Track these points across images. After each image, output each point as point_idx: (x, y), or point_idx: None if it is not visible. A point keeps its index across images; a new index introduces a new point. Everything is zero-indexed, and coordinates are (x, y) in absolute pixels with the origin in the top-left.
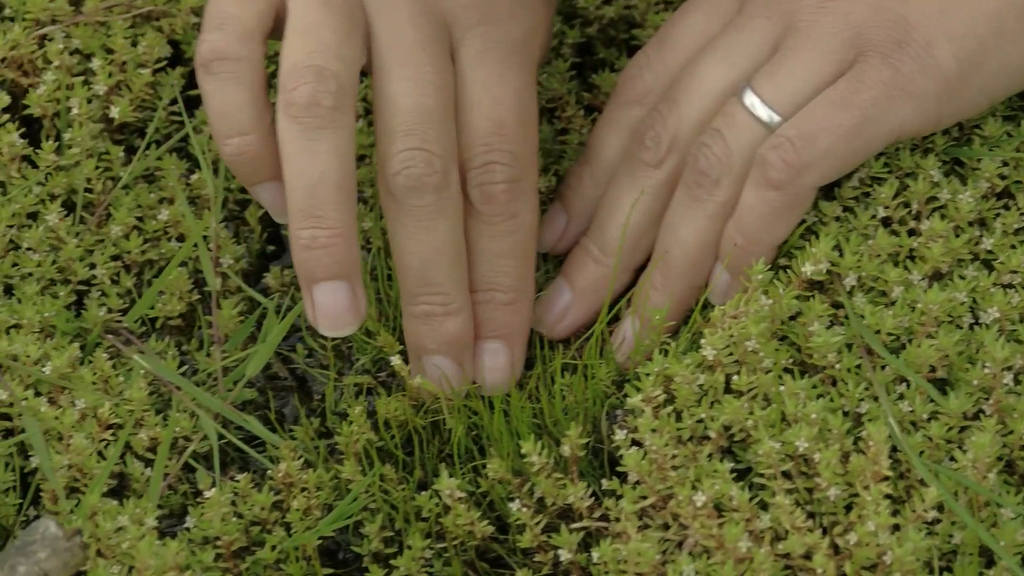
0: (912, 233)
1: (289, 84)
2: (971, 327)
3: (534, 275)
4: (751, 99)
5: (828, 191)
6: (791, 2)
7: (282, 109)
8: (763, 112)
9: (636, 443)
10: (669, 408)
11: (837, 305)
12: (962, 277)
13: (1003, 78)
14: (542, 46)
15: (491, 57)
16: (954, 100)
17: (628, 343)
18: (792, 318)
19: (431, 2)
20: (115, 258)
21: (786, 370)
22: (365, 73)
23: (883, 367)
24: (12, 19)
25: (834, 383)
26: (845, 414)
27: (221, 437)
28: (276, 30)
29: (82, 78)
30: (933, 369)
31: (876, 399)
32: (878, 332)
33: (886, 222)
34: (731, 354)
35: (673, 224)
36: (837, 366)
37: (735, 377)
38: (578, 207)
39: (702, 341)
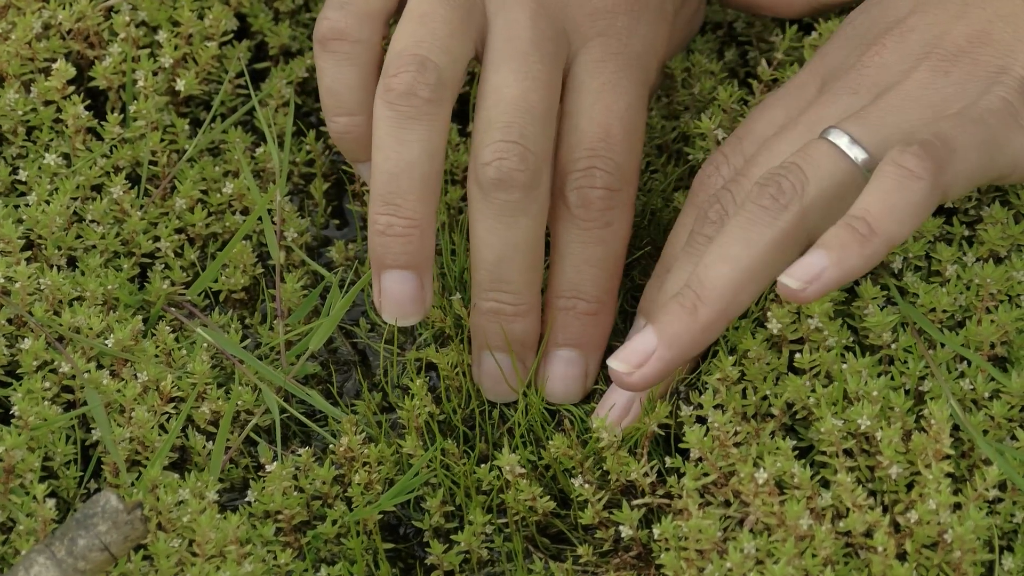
0: (973, 222)
1: (391, 69)
2: None
3: (618, 289)
4: (838, 136)
5: None
6: (879, 73)
7: (380, 93)
8: (850, 150)
9: (700, 419)
10: (739, 386)
11: (898, 286)
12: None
13: None
14: (660, 66)
15: (608, 67)
16: None
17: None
18: (847, 302)
19: (555, 8)
20: (179, 231)
21: (847, 348)
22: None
23: (942, 345)
24: None
25: (891, 362)
26: (906, 392)
27: (283, 411)
28: (399, 13)
29: (148, 50)
30: (992, 347)
31: (940, 376)
32: (932, 310)
33: (951, 211)
34: (796, 331)
35: (724, 243)
36: (893, 345)
37: (797, 355)
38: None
39: (768, 314)
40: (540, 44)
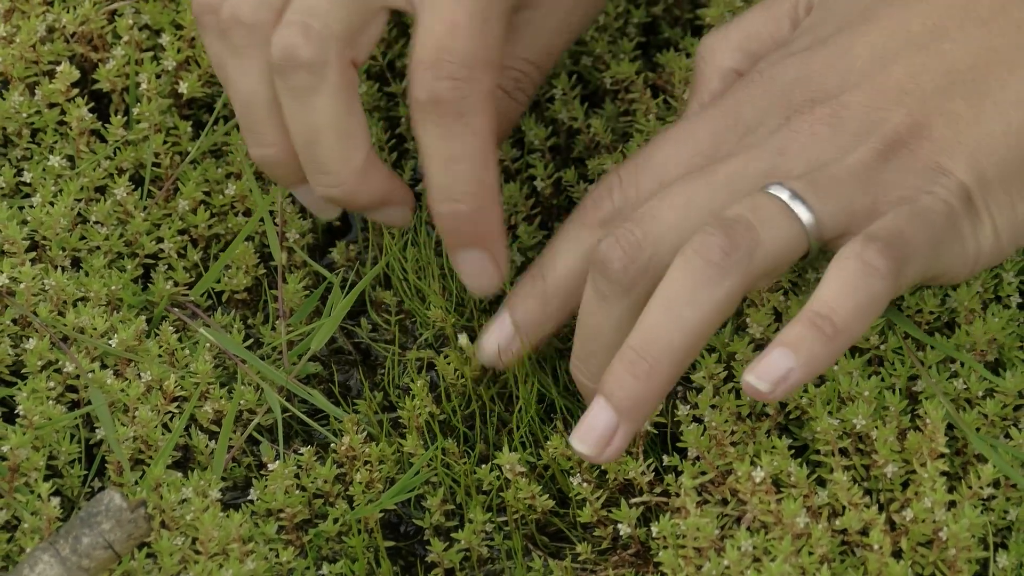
0: None
1: None
2: (1020, 307)
3: (495, 181)
4: (783, 191)
5: None
6: (812, 143)
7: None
8: (797, 209)
9: (696, 419)
10: (729, 385)
11: None
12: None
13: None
14: None
15: None
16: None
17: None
18: None
19: None
20: (182, 232)
21: None
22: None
23: (931, 347)
24: None
25: (881, 363)
26: (899, 392)
27: (285, 410)
28: None
29: (151, 53)
30: (984, 352)
31: (929, 377)
32: (919, 311)
33: None
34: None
35: (672, 303)
36: (882, 347)
37: None
38: (524, 320)
39: (747, 320)
40: None
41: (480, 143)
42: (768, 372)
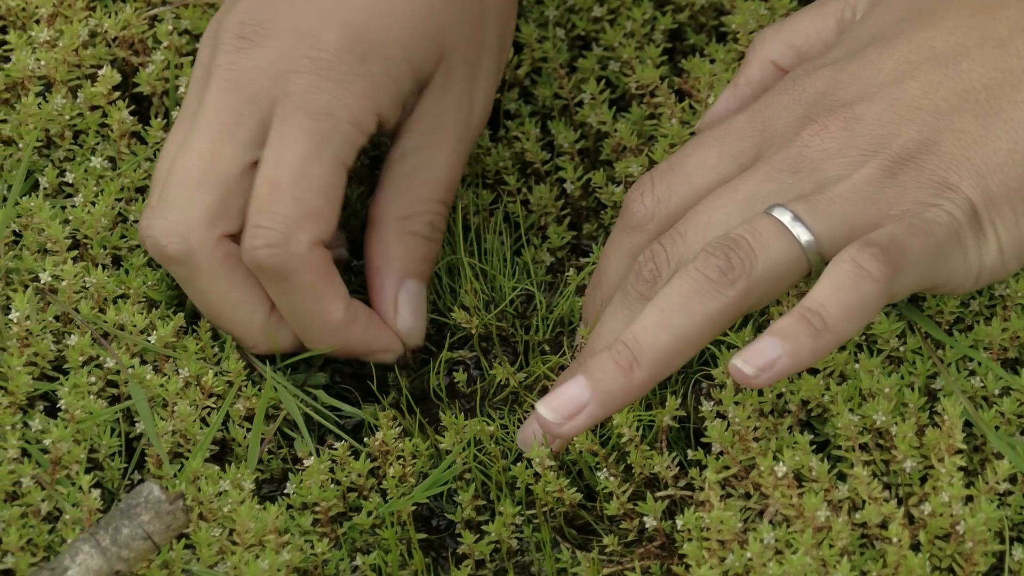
0: None
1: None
2: None
3: (341, 312)
4: (785, 214)
5: None
6: (820, 159)
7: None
8: (797, 231)
9: (720, 415)
10: None
11: None
12: None
13: None
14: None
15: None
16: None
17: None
18: None
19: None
20: None
21: (858, 347)
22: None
23: (950, 347)
24: (124, 0)
25: (901, 362)
26: (918, 390)
27: (310, 407)
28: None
29: (190, 58)
30: (1005, 349)
31: (947, 375)
32: (940, 312)
33: None
34: None
35: (666, 308)
36: (901, 348)
37: None
38: (588, 317)
39: (769, 320)
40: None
41: (311, 294)
42: (756, 357)
